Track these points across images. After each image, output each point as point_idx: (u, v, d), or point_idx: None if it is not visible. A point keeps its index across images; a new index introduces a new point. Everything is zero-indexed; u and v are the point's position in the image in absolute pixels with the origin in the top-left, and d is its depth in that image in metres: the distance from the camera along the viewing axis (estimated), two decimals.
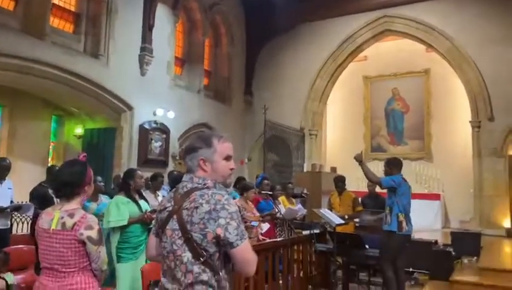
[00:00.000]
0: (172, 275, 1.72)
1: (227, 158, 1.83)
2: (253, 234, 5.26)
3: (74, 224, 2.18)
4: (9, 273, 3.58)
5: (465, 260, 6.59)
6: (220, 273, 1.71)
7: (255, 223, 5.76)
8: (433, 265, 5.99)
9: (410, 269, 6.36)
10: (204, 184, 1.76)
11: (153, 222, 1.96)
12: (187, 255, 1.68)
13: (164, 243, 1.76)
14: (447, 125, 12.03)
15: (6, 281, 3.27)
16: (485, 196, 10.29)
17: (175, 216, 1.72)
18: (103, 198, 5.15)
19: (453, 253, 6.21)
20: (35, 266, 4.48)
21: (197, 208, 1.67)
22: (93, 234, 2.19)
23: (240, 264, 1.70)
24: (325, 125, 13.56)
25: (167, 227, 1.74)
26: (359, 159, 4.94)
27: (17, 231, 7.10)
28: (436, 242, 6.94)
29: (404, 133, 12.89)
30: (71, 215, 2.21)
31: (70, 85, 8.45)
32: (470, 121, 10.73)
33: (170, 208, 1.77)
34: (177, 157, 10.70)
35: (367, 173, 4.91)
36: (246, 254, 1.70)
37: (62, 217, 2.21)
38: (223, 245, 1.68)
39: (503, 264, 6.62)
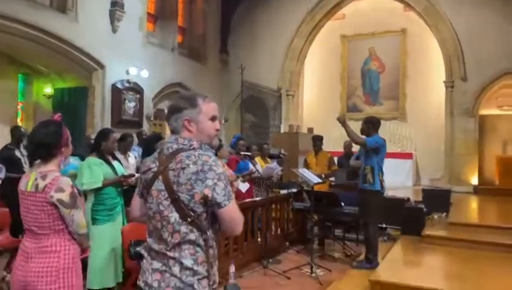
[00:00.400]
0: (159, 235, 1.71)
1: (213, 119, 1.80)
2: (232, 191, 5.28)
3: (45, 186, 2.12)
4: None
5: (436, 216, 6.87)
6: (208, 233, 1.70)
7: (242, 186, 5.79)
8: (405, 221, 6.20)
9: (383, 225, 6.60)
10: (190, 145, 1.72)
11: (137, 182, 1.91)
12: (174, 216, 1.66)
13: (150, 203, 1.74)
14: (421, 86, 12.17)
15: None
16: (456, 155, 10.65)
17: (160, 177, 1.69)
18: (71, 159, 4.98)
19: (424, 209, 6.44)
20: (10, 228, 4.39)
21: (183, 169, 1.65)
22: (64, 197, 2.12)
23: (227, 223, 1.70)
24: (302, 85, 13.50)
25: (152, 188, 1.72)
26: (342, 120, 4.90)
27: None
28: (408, 199, 7.18)
29: (379, 94, 12.99)
30: (44, 177, 2.14)
31: (36, 41, 8.02)
32: (444, 81, 10.91)
33: (155, 169, 1.74)
34: (152, 118, 10.51)
35: (350, 134, 4.90)
36: (233, 214, 1.70)
37: (36, 179, 2.15)
38: (210, 205, 1.67)
39: (470, 219, 6.98)
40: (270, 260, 5.32)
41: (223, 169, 1.71)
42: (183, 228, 1.66)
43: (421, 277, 4.43)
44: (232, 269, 4.68)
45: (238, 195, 5.75)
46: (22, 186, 2.20)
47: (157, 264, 1.70)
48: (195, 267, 1.66)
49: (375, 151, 4.83)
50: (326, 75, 13.55)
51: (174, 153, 1.70)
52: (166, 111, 1.81)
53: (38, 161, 2.20)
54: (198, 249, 1.68)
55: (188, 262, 1.65)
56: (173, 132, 1.78)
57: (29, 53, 8.69)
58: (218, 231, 1.76)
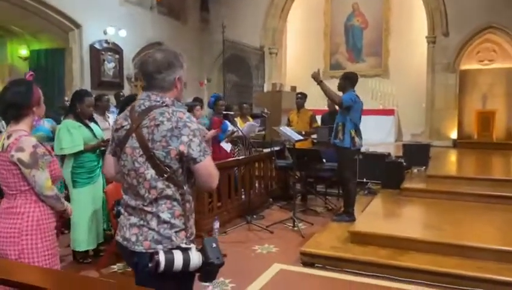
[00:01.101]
0: (135, 191, 1.73)
1: None
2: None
3: (8, 145, 2.09)
4: None
5: (415, 170, 7.07)
6: (184, 188, 1.74)
7: (226, 146, 5.81)
8: (386, 176, 6.37)
9: (364, 180, 6.78)
10: (163, 102, 1.72)
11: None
12: (150, 172, 1.68)
13: (124, 161, 1.75)
14: (404, 42, 12.10)
15: None
16: (436, 110, 10.81)
17: (134, 134, 1.70)
18: (45, 122, 4.87)
19: (404, 164, 6.60)
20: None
21: (158, 125, 1.65)
22: (24, 156, 2.08)
23: (203, 178, 1.73)
24: (285, 43, 13.31)
25: (126, 145, 1.72)
26: (318, 79, 4.86)
27: None
28: (388, 154, 7.33)
29: (362, 50, 12.90)
30: (9, 137, 2.12)
31: (7, 1, 7.67)
32: (426, 37, 10.88)
33: (128, 127, 1.73)
34: (132, 80, 10.32)
35: (327, 92, 4.88)
36: (209, 168, 1.73)
37: (4, 139, 2.13)
38: (186, 161, 1.69)
39: (447, 172, 7.19)
40: (254, 216, 5.46)
41: (198, 125, 1.73)
42: (160, 184, 1.68)
43: (398, 227, 4.62)
44: (217, 225, 4.78)
45: (222, 155, 5.80)
46: None
47: (134, 219, 1.73)
48: (173, 221, 1.70)
49: (347, 109, 4.83)
50: (309, 32, 13.34)
51: (147, 110, 1.70)
52: (149, 64, 1.74)
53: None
54: (175, 203, 1.71)
55: (165, 216, 1.69)
56: (155, 87, 1.75)
57: (1, 14, 8.32)
58: (194, 185, 1.79)
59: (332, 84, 5.20)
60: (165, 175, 1.67)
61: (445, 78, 10.65)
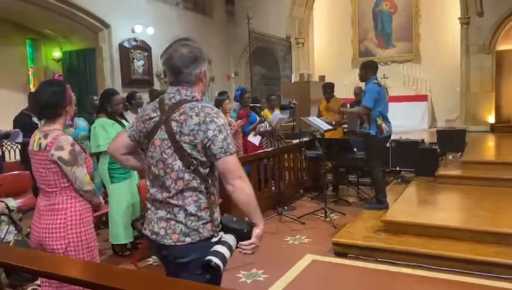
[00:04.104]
0: (161, 182, 1.76)
1: None
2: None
3: (46, 145, 2.17)
4: (9, 198, 3.66)
5: (450, 156, 6.86)
6: (209, 181, 1.77)
7: (254, 139, 5.85)
8: (419, 163, 6.22)
9: (397, 168, 6.64)
10: (193, 97, 1.76)
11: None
12: (178, 163, 1.72)
13: (152, 152, 1.78)
14: (435, 25, 11.71)
15: (7, 204, 3.35)
16: (472, 94, 10.41)
17: (163, 126, 1.73)
18: (80, 122, 5.09)
19: (438, 150, 6.42)
20: (32, 190, 4.59)
21: (186, 120, 1.69)
22: (64, 154, 2.16)
23: (221, 174, 1.75)
24: (312, 32, 13.14)
25: (155, 137, 1.76)
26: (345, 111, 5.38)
27: (9, 159, 7.15)
28: (422, 141, 7.14)
29: (392, 35, 12.58)
30: (46, 136, 2.19)
31: (40, 5, 7.94)
32: (459, 18, 10.46)
33: (157, 119, 1.76)
34: (162, 76, 10.47)
35: (353, 113, 4.99)
36: (227, 166, 1.71)
37: (40, 138, 2.20)
38: (209, 155, 1.71)
39: (484, 157, 6.94)
40: (285, 207, 5.46)
41: (225, 121, 1.74)
42: (186, 176, 1.72)
43: (433, 215, 4.50)
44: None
45: (250, 149, 5.83)
46: (30, 146, 2.26)
47: (162, 213, 1.77)
48: (199, 213, 1.73)
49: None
50: (336, 20, 13.12)
51: (177, 103, 1.73)
52: (176, 58, 1.76)
53: (43, 121, 2.26)
54: (200, 195, 1.74)
55: (191, 209, 1.72)
56: (181, 81, 1.77)
57: (34, 18, 8.63)
58: (217, 179, 1.82)
59: None
60: (192, 167, 1.70)
61: (481, 60, 10.22)
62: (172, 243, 1.73)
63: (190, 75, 1.76)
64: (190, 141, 1.68)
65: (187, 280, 1.42)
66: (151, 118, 1.79)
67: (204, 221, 1.74)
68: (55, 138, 2.18)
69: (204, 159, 1.72)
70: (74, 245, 2.22)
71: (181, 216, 1.73)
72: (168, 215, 1.75)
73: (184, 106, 1.71)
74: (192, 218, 1.73)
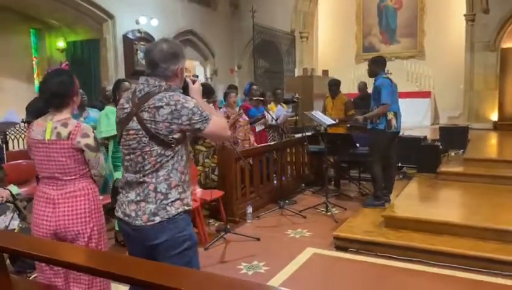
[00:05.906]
0: (139, 168, 1.84)
1: None
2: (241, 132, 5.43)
3: (70, 133, 2.19)
4: (13, 185, 3.67)
5: (452, 153, 6.87)
6: (183, 160, 1.87)
7: (257, 127, 5.90)
8: (421, 159, 6.23)
9: (399, 164, 6.65)
10: (160, 86, 1.82)
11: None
12: (155, 148, 1.80)
13: (128, 141, 1.85)
14: (440, 21, 11.67)
15: (11, 191, 3.37)
16: (475, 91, 10.39)
17: (135, 118, 1.81)
18: (91, 112, 5.10)
19: (441, 147, 6.42)
20: (37, 178, 4.60)
21: (158, 109, 1.76)
22: (90, 141, 2.23)
23: (214, 137, 1.98)
24: (316, 26, 13.10)
25: (128, 127, 1.84)
26: (359, 122, 5.25)
27: (13, 147, 7.17)
28: (424, 138, 7.16)
29: (396, 31, 12.54)
30: (65, 125, 2.20)
31: None
32: (465, 15, 10.41)
33: (128, 110, 1.85)
34: None
35: (372, 116, 4.87)
36: (214, 128, 1.85)
37: (56, 127, 2.20)
38: (192, 132, 1.85)
39: (486, 154, 6.93)
40: (287, 201, 5.49)
41: (194, 102, 1.84)
42: (164, 158, 1.81)
43: (434, 210, 4.51)
44: (249, 209, 4.87)
45: (256, 138, 5.86)
46: (36, 135, 2.23)
47: (132, 196, 1.85)
48: (168, 191, 1.82)
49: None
50: (340, 15, 13.08)
51: (146, 96, 1.81)
52: (155, 53, 1.85)
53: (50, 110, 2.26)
54: (171, 174, 1.83)
55: (161, 187, 1.81)
56: (155, 74, 1.83)
57: (38, 7, 8.63)
58: (189, 159, 1.94)
59: (365, 67, 5.16)
60: (172, 146, 1.80)
61: (485, 57, 10.18)
62: (143, 224, 1.80)
63: (167, 70, 1.84)
64: (166, 127, 1.77)
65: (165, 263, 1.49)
66: (123, 108, 1.88)
67: (173, 199, 1.83)
68: (78, 126, 2.22)
69: (180, 136, 1.80)
70: (98, 229, 2.30)
71: (151, 196, 1.81)
72: (138, 198, 1.83)
73: (153, 99, 1.79)
74: (161, 197, 1.81)
